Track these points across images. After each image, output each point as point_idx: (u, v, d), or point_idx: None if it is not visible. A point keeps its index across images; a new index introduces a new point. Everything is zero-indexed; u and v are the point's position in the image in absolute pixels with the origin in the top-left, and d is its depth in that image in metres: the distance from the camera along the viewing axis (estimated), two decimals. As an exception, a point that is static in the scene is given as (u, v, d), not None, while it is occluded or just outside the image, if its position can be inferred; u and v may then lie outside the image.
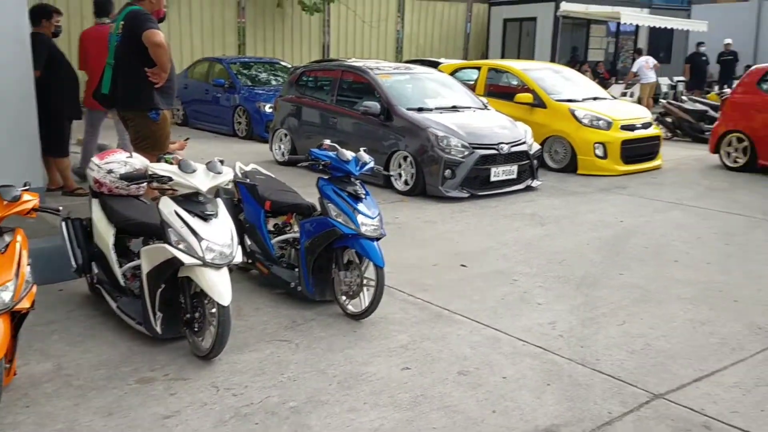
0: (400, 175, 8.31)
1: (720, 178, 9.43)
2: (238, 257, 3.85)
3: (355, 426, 3.18)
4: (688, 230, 6.71)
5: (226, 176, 3.98)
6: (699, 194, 8.37)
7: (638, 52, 19.15)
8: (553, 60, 19.40)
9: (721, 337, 4.23)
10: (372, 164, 4.61)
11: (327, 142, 4.62)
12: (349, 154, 4.48)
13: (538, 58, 19.56)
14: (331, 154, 4.47)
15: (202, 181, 3.82)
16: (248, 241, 4.97)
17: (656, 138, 10.12)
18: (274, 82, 13.66)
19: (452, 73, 11.53)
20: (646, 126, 9.95)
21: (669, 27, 20.29)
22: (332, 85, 9.53)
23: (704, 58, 18.54)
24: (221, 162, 3.99)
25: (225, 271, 3.74)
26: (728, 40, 18.92)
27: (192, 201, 3.83)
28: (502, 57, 21.20)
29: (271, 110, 11.58)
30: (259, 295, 4.84)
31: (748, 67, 11.58)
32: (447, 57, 19.77)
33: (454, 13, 22.32)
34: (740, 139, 9.93)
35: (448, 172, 7.88)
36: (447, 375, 3.70)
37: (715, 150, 10.30)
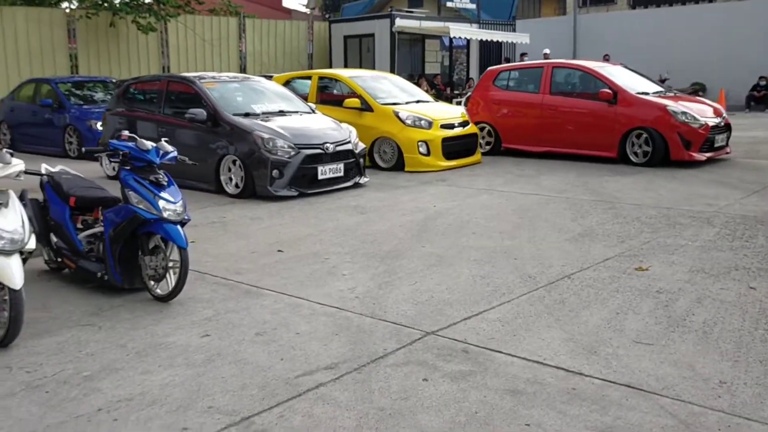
0: (230, 179, 8.51)
1: (530, 167, 10.40)
2: (31, 244, 3.92)
3: (146, 385, 3.37)
4: (491, 209, 7.43)
5: (16, 167, 4.04)
6: (508, 181, 9.23)
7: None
8: (392, 73, 20.31)
9: (496, 286, 4.81)
10: (174, 153, 4.80)
11: (125, 132, 4.78)
12: (149, 144, 4.66)
13: (378, 72, 20.41)
14: (131, 144, 4.63)
15: (-13, 171, 3.87)
16: (54, 239, 5.00)
17: (474, 135, 10.99)
18: (107, 101, 13.36)
19: (285, 83, 11.90)
20: (463, 125, 10.79)
21: (495, 40, 21.90)
22: (159, 96, 9.57)
23: (527, 67, 20.22)
24: (11, 154, 4.06)
25: (16, 257, 3.80)
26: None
27: (-21, 192, 3.87)
28: (345, 72, 21.87)
29: (102, 127, 11.35)
30: (69, 290, 4.88)
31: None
32: (291, 73, 20.14)
33: (296, 31, 22.78)
34: (485, 129, 11.81)
35: (275, 173, 8.18)
36: (244, 337, 3.97)
37: None
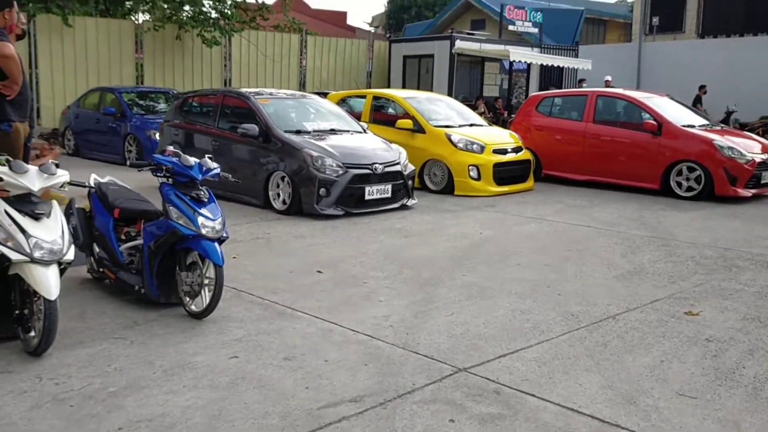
0: (278, 195, 8.55)
1: (582, 197, 10.14)
2: (70, 255, 3.96)
3: (168, 405, 3.34)
4: (538, 240, 7.23)
5: (61, 178, 4.11)
6: (558, 211, 9.00)
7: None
8: (450, 95, 20.23)
9: (536, 322, 4.63)
10: (217, 170, 4.83)
11: (170, 148, 4.83)
12: (192, 160, 4.69)
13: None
14: (174, 159, 4.67)
15: (33, 181, 3.94)
16: (97, 249, 5.07)
17: (527, 161, 10.78)
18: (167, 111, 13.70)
19: (340, 101, 11.96)
20: (516, 150, 10.61)
21: (556, 65, 21.58)
22: (215, 109, 9.74)
23: (586, 93, 19.85)
24: (56, 165, 4.13)
25: (54, 267, 3.85)
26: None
27: (24, 201, 3.95)
28: (403, 92, 21.88)
29: (159, 138, 11.62)
30: (108, 301, 4.94)
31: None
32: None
33: (356, 50, 22.97)
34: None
35: (322, 191, 8.18)
36: (272, 361, 3.91)
37: None
